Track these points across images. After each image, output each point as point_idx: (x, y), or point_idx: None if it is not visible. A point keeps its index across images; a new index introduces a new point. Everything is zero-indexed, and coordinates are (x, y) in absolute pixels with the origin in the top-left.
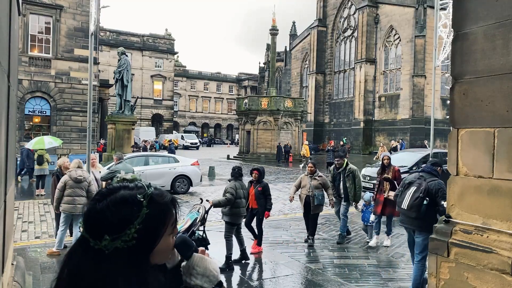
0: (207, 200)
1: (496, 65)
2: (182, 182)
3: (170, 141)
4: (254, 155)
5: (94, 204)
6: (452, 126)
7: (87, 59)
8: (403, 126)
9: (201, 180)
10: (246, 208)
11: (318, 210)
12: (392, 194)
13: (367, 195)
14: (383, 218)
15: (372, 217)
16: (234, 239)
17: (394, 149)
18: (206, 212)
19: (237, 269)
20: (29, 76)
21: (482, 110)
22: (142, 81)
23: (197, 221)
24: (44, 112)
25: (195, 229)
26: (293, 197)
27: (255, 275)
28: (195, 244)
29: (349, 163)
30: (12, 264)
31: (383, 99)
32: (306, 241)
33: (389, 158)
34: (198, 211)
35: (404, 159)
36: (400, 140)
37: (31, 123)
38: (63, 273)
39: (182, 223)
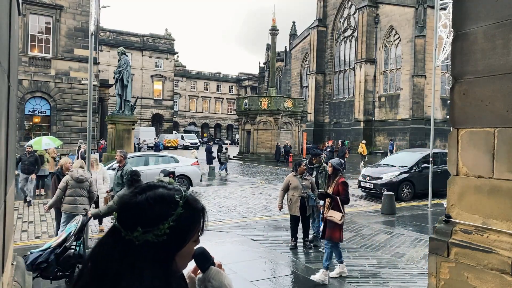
0: (84, 209)
1: (496, 65)
2: (182, 182)
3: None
4: (254, 155)
5: (133, 196)
6: (452, 126)
7: (87, 59)
8: (403, 126)
9: (201, 180)
10: None
11: (310, 211)
12: (334, 214)
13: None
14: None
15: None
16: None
17: (328, 150)
18: (84, 224)
19: (237, 269)
20: (29, 76)
21: (482, 110)
22: (142, 81)
23: (71, 235)
24: (44, 112)
25: (68, 244)
26: (282, 205)
27: (255, 275)
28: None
29: (323, 162)
30: (12, 264)
31: (383, 99)
32: (305, 246)
33: (333, 167)
34: (77, 224)
35: (404, 159)
36: (390, 141)
37: (31, 123)
38: (89, 261)
39: (55, 239)
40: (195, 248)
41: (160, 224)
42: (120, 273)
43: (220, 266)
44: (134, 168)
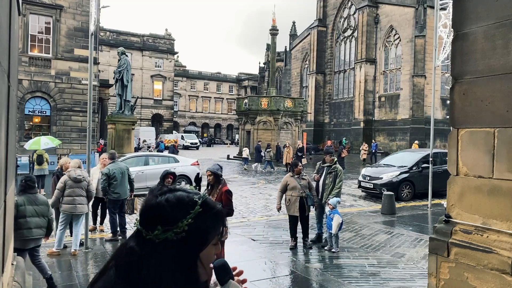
0: None
1: (496, 65)
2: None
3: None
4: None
5: (154, 198)
6: (452, 126)
7: (87, 59)
8: (403, 126)
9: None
10: None
11: (309, 211)
12: None
13: (334, 200)
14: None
15: (334, 228)
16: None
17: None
18: None
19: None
20: (29, 76)
21: (482, 110)
22: (142, 81)
23: None
24: (44, 112)
25: None
26: (281, 206)
27: (255, 275)
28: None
29: (337, 163)
30: (12, 264)
31: (383, 99)
32: (305, 246)
33: (213, 174)
34: None
35: (404, 159)
36: (373, 141)
37: (31, 123)
38: (113, 261)
39: None
40: (217, 260)
41: (179, 222)
42: (143, 273)
43: (245, 281)
44: (133, 168)
